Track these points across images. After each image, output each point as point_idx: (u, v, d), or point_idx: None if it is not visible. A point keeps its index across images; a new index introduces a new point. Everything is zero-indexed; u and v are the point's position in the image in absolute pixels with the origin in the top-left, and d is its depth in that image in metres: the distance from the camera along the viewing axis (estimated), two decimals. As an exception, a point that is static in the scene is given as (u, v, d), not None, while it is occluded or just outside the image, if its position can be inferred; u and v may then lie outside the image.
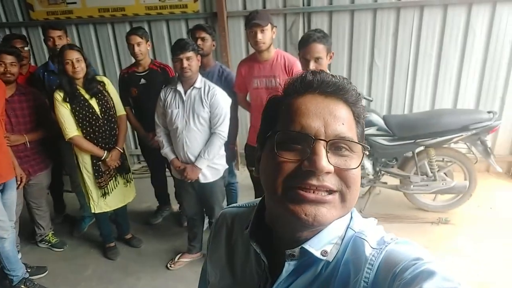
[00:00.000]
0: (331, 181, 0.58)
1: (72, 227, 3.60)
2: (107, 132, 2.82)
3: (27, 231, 3.34)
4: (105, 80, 2.88)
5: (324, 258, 0.62)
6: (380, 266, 0.57)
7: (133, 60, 3.16)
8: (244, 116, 3.48)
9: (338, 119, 0.60)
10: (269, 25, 2.59)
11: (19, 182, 2.73)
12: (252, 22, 2.55)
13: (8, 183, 2.60)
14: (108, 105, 2.81)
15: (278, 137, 0.60)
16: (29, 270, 2.92)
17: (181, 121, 2.57)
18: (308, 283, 0.63)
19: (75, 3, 4.24)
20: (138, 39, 3.00)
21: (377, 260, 0.58)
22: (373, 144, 3.21)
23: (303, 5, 3.96)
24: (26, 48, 3.28)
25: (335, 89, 0.61)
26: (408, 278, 0.52)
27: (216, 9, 4.05)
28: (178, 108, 2.58)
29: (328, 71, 2.19)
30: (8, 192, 2.62)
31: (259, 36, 2.57)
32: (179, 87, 2.57)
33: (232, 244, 0.79)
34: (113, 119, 2.85)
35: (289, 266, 0.63)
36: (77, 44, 4.27)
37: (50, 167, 3.18)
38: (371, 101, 3.60)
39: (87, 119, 2.72)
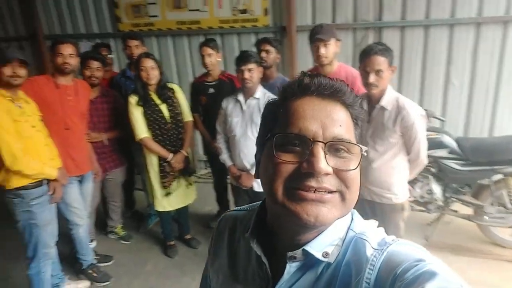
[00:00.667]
0: (330, 182, 0.58)
1: (139, 222, 3.84)
2: (174, 136, 3.00)
3: (100, 222, 3.63)
4: (175, 87, 3.09)
5: (326, 259, 0.62)
6: (381, 267, 0.57)
7: (205, 70, 3.33)
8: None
9: (336, 121, 0.60)
10: (332, 40, 2.59)
11: (94, 176, 3.01)
12: (316, 36, 2.57)
13: (86, 175, 2.89)
14: (177, 111, 2.99)
15: (277, 140, 0.61)
16: (97, 258, 3.18)
17: (240, 129, 2.66)
18: (310, 284, 0.63)
19: (156, 16, 4.64)
20: (209, 51, 3.15)
21: (378, 261, 0.57)
22: (443, 168, 2.99)
23: (374, 20, 3.87)
24: (110, 56, 3.67)
25: (332, 92, 0.62)
26: (410, 279, 0.51)
27: (285, 23, 4.12)
28: (238, 116, 2.67)
29: (390, 86, 2.11)
30: (85, 184, 2.90)
31: (322, 50, 2.58)
32: (240, 97, 2.67)
33: (235, 247, 0.79)
34: (181, 124, 3.03)
35: (290, 268, 0.63)
36: (157, 54, 4.63)
37: (125, 165, 3.44)
38: (444, 121, 3.36)
39: (157, 122, 2.92)
